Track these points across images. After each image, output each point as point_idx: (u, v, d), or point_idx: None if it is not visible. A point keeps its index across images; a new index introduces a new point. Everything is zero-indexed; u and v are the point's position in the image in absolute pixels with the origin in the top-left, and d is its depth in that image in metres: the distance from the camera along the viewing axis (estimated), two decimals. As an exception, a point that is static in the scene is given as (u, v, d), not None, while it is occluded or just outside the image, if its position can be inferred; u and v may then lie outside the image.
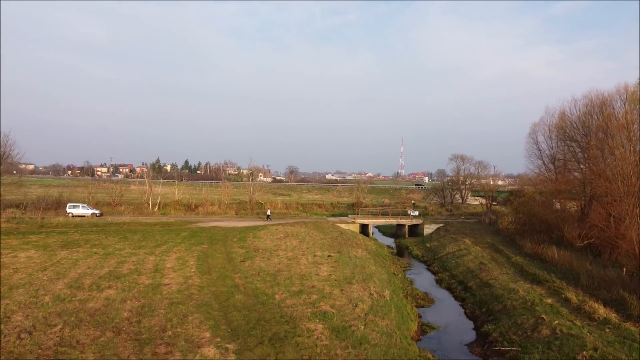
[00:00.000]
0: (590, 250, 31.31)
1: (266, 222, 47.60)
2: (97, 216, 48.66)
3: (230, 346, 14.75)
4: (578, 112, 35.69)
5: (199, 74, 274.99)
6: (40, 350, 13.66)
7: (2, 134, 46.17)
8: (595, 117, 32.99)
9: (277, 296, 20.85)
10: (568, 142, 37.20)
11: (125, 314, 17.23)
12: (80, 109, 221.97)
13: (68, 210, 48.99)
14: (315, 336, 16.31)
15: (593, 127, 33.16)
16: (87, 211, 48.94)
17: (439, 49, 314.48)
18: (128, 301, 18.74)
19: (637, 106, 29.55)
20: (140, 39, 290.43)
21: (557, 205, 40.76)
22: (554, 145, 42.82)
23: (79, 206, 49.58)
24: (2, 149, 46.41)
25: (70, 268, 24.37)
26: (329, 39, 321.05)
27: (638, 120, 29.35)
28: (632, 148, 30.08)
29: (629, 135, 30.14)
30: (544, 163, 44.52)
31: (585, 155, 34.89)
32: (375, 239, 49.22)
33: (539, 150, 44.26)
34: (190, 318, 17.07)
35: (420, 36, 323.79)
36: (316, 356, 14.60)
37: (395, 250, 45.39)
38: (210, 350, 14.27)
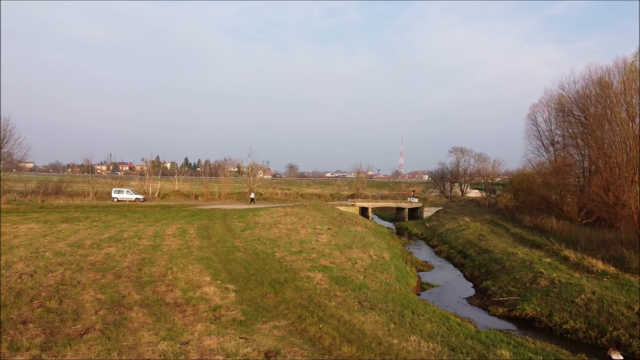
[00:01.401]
0: (589, 226, 31.30)
1: (249, 206, 47.20)
2: (140, 201, 48.73)
3: (231, 286, 14.85)
4: (576, 86, 35.84)
5: (199, 74, 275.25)
6: (41, 287, 13.75)
7: (2, 118, 46.30)
8: (594, 89, 33.05)
9: (277, 254, 20.95)
10: (567, 117, 37.29)
11: (125, 264, 17.32)
12: (79, 109, 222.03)
13: (113, 194, 49.60)
14: (315, 281, 16.41)
15: (592, 98, 33.21)
16: (132, 196, 49.51)
17: (439, 48, 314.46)
18: (128, 255, 18.83)
19: (637, 76, 29.61)
20: (140, 39, 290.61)
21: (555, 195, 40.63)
22: (552, 126, 42.95)
23: (123, 191, 50.24)
24: (2, 133, 46.54)
25: (70, 235, 24.45)
26: (328, 38, 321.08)
27: (637, 89, 29.42)
28: (630, 118, 30.16)
29: (628, 106, 30.23)
30: (543, 144, 44.61)
31: (584, 130, 34.97)
32: (375, 221, 49.30)
33: (538, 131, 44.38)
34: (190, 267, 17.16)
35: (419, 36, 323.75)
36: (316, 296, 14.69)
37: (394, 231, 45.45)
38: (210, 289, 14.36)
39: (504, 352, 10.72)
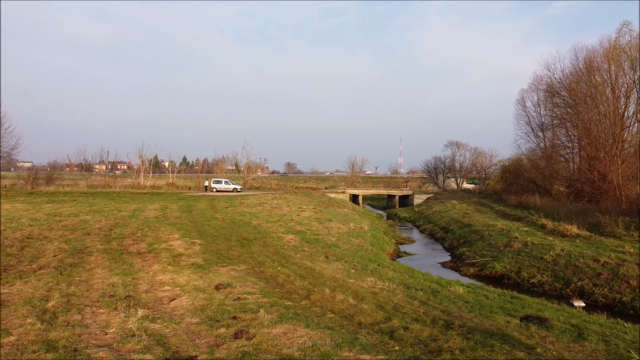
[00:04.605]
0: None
1: (230, 193, 46.29)
2: (237, 191, 47.62)
3: (198, 241, 14.89)
4: (562, 67, 35.78)
5: (198, 75, 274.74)
6: (6, 240, 13.78)
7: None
8: (579, 68, 33.03)
9: (254, 222, 21.01)
10: (553, 99, 37.22)
11: (97, 226, 17.38)
12: (79, 110, 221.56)
13: (212, 185, 48.95)
14: (285, 240, 16.46)
15: (577, 78, 33.18)
16: (229, 186, 48.70)
17: (437, 49, 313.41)
18: (103, 221, 18.88)
19: (620, 52, 29.58)
20: (139, 40, 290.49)
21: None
22: (542, 110, 42.82)
23: (221, 182, 49.35)
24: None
25: (52, 210, 24.44)
26: (327, 39, 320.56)
27: (621, 66, 29.44)
28: (614, 96, 30.20)
29: (611, 83, 30.27)
30: (532, 129, 44.42)
31: (570, 110, 34.94)
32: (365, 208, 49.30)
33: (527, 116, 44.24)
34: (162, 229, 17.17)
35: (418, 36, 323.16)
36: (283, 250, 14.72)
37: (385, 216, 45.41)
38: (177, 242, 14.40)
39: (457, 289, 10.75)
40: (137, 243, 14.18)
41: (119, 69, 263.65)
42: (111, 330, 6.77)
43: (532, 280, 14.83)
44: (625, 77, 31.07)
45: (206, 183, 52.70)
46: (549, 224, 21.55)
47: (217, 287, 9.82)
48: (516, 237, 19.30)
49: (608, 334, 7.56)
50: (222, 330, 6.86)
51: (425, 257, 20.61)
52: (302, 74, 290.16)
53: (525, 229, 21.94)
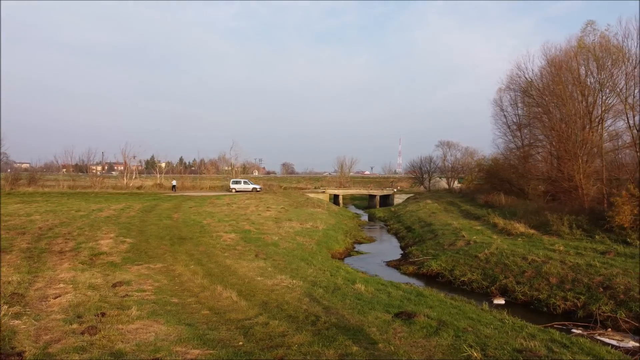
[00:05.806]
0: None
1: (206, 193, 46.16)
2: (257, 191, 47.37)
3: (129, 240, 15.00)
4: (532, 66, 35.94)
5: (198, 76, 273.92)
6: None
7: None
8: (548, 68, 33.12)
9: (205, 222, 21.09)
10: (525, 98, 37.30)
11: (39, 225, 17.48)
12: (79, 111, 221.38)
13: (231, 185, 48.65)
14: (222, 239, 16.56)
15: (546, 77, 33.30)
16: (249, 186, 48.30)
17: (437, 49, 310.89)
18: (49, 220, 19.01)
19: (586, 51, 29.62)
20: (138, 41, 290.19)
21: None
22: (519, 110, 42.84)
23: (240, 182, 48.95)
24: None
25: (14, 210, 24.55)
26: (327, 40, 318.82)
27: (587, 65, 29.49)
28: (582, 95, 30.26)
29: (577, 82, 30.32)
30: (509, 128, 44.48)
31: (541, 110, 34.99)
32: (344, 207, 49.38)
33: (505, 115, 44.26)
34: (103, 228, 17.29)
35: (418, 37, 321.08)
36: (212, 249, 14.82)
37: (365, 216, 45.47)
38: (105, 242, 14.51)
39: (360, 286, 10.85)
40: (66, 242, 14.29)
41: (117, 70, 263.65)
42: (-37, 327, 6.86)
43: (463, 279, 14.90)
44: (592, 76, 31.14)
45: (174, 182, 52.95)
46: (500, 222, 21.63)
47: (114, 285, 9.93)
48: (463, 236, 19.38)
49: (469, 330, 7.64)
50: (75, 326, 6.97)
51: (376, 256, 20.68)
52: (302, 75, 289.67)
53: (478, 227, 22.04)
